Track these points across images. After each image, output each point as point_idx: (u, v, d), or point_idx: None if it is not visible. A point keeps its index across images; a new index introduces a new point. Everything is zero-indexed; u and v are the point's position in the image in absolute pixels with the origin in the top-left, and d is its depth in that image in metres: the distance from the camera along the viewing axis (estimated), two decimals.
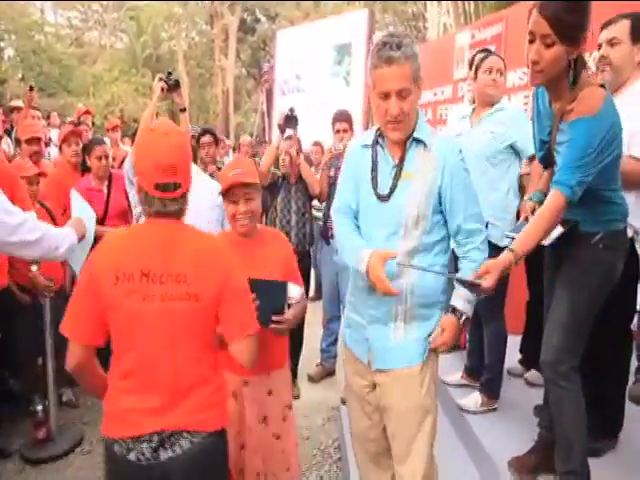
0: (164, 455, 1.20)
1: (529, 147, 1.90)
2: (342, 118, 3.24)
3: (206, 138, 3.50)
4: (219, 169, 3.39)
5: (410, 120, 1.42)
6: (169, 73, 2.92)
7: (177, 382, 1.23)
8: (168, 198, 1.24)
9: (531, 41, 1.43)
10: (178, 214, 1.29)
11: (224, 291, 1.26)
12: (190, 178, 1.30)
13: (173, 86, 2.86)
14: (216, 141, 3.56)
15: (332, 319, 3.37)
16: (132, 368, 1.23)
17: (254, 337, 1.31)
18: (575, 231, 1.56)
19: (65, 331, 1.24)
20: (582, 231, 1.56)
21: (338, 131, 3.21)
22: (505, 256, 1.41)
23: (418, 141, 1.44)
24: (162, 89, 2.83)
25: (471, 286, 1.40)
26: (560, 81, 1.47)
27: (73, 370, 1.25)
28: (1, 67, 16.65)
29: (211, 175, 3.06)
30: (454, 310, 1.47)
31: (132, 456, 1.20)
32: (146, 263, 1.21)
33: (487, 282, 1.35)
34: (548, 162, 1.66)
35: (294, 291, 1.69)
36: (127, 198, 2.93)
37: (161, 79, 2.86)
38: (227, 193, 1.69)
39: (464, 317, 1.47)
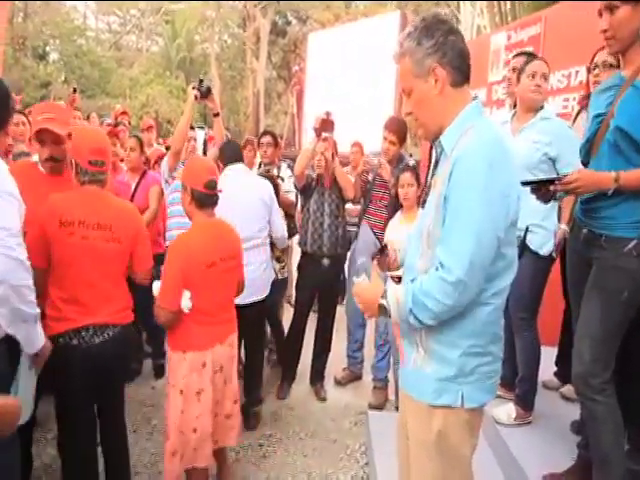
0: (97, 340, 1.81)
1: (568, 169, 1.82)
2: (391, 127, 2.94)
3: (266, 139, 3.55)
4: (267, 172, 3.39)
5: (425, 118, 1.25)
6: (201, 80, 2.95)
7: (102, 294, 1.83)
8: (97, 171, 1.83)
9: (600, 15, 1.52)
10: (103, 183, 1.87)
11: (137, 237, 1.91)
12: (110, 162, 1.91)
13: (205, 93, 2.90)
14: (276, 143, 3.57)
15: (355, 326, 3.32)
16: (72, 286, 1.79)
17: (151, 269, 2.01)
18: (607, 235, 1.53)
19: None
20: (615, 236, 1.51)
21: (385, 139, 2.98)
22: (606, 172, 1.39)
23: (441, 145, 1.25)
24: (195, 97, 2.89)
25: (540, 187, 1.42)
26: (634, 45, 1.50)
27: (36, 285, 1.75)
28: (47, 70, 17.40)
29: (265, 176, 3.10)
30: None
31: (74, 342, 1.77)
32: (82, 215, 1.79)
33: (574, 184, 1.38)
34: (588, 155, 1.62)
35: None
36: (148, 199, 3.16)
37: (194, 87, 2.91)
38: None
39: (384, 299, 1.20)
